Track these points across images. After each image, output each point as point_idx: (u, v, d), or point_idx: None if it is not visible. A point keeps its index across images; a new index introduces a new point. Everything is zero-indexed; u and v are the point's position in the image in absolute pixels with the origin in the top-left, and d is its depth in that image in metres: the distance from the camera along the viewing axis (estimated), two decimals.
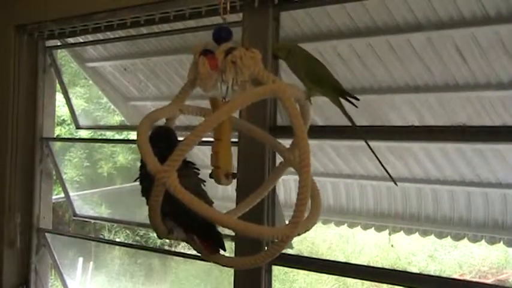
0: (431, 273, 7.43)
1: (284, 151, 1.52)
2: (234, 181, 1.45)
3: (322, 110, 2.79)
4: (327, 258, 6.58)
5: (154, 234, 1.34)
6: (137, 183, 1.38)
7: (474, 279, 7.23)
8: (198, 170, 1.41)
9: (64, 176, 3.20)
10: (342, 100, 1.42)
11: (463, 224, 3.66)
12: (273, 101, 1.97)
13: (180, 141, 1.25)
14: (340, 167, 3.77)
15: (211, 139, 1.40)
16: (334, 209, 4.08)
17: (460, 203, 3.60)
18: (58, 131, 7.46)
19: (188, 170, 1.38)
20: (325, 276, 7.31)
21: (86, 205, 7.19)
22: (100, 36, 2.81)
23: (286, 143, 1.54)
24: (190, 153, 1.24)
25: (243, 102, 1.26)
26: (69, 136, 7.55)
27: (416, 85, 2.85)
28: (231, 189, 1.77)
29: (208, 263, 1.42)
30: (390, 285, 1.81)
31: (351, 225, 4.25)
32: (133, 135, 1.25)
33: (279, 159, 1.63)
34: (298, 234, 1.23)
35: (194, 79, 1.36)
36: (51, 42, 2.83)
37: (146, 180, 1.29)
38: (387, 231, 4.26)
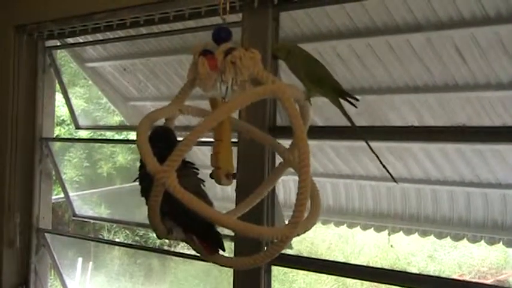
0: (431, 273, 7.43)
1: (284, 152, 1.52)
2: (234, 181, 1.45)
3: (322, 111, 2.79)
4: (326, 258, 6.58)
5: (154, 235, 1.34)
6: (137, 183, 1.38)
7: (473, 280, 7.24)
8: (198, 169, 1.41)
9: (63, 176, 3.20)
10: (342, 101, 1.42)
11: (463, 225, 3.66)
12: (272, 102, 1.97)
13: (179, 141, 1.25)
14: (340, 167, 3.77)
15: (212, 139, 1.39)
16: (333, 209, 4.08)
17: (460, 204, 3.60)
18: (58, 131, 7.46)
19: (187, 170, 1.38)
20: (324, 276, 7.31)
21: (86, 205, 7.18)
22: (99, 36, 2.81)
23: (286, 143, 1.54)
24: (190, 154, 1.24)
25: (242, 102, 1.26)
26: (69, 136, 7.55)
27: (415, 85, 2.85)
28: (230, 189, 1.77)
29: (208, 263, 1.42)
30: (389, 286, 1.81)
31: (351, 226, 4.25)
32: (132, 135, 1.25)
33: (278, 159, 1.63)
34: (298, 235, 1.23)
35: (194, 79, 1.36)
36: (50, 43, 2.83)
37: (145, 180, 1.29)
38: (387, 231, 4.26)
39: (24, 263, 2.79)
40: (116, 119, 7.25)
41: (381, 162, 1.44)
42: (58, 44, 2.88)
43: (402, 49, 2.66)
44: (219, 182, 1.39)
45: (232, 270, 2.04)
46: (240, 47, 1.32)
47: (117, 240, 8.15)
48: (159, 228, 1.29)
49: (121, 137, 6.88)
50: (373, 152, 1.44)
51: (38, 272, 2.82)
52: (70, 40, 2.85)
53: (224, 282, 7.25)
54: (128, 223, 3.64)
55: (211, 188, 1.46)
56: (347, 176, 3.82)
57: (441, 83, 2.79)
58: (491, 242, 3.71)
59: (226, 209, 1.53)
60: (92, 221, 7.82)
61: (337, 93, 1.42)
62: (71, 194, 3.15)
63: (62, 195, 3.24)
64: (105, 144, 8.25)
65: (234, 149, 1.87)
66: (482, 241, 3.72)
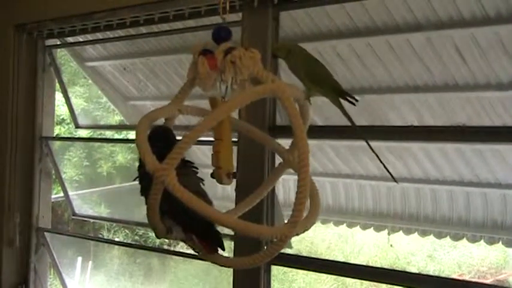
0: (430, 273, 7.44)
1: (283, 152, 1.52)
2: (234, 181, 1.45)
3: (322, 110, 2.79)
4: (326, 258, 6.58)
5: (153, 234, 1.34)
6: (136, 182, 1.38)
7: (473, 279, 7.24)
8: (197, 168, 1.41)
9: (63, 176, 3.20)
10: (342, 100, 1.42)
11: (462, 224, 3.66)
12: (272, 101, 1.97)
13: (178, 140, 1.25)
14: (339, 167, 3.77)
15: (211, 138, 1.39)
16: (333, 209, 4.08)
17: (459, 203, 3.60)
18: (57, 130, 7.46)
19: (187, 169, 1.38)
20: (324, 276, 7.32)
21: (85, 204, 7.19)
22: (99, 35, 2.81)
23: (286, 142, 1.54)
24: (189, 153, 1.24)
25: (242, 101, 1.26)
26: (69, 135, 7.54)
27: (415, 85, 2.85)
28: (230, 188, 1.77)
29: (207, 263, 1.42)
30: (389, 285, 1.81)
31: (350, 225, 4.25)
32: (132, 134, 1.25)
33: (278, 159, 1.63)
34: (297, 234, 1.23)
35: (193, 79, 1.36)
36: (50, 42, 2.83)
37: (145, 179, 1.29)
38: (386, 231, 4.27)
39: (24, 262, 2.79)
40: (116, 118, 7.25)
41: (381, 162, 1.44)
42: (58, 43, 2.88)
43: (402, 49, 2.66)
44: (220, 182, 1.39)
45: (232, 269, 2.04)
46: (240, 47, 1.32)
47: (116, 239, 8.16)
48: (158, 227, 1.29)
49: (121, 137, 6.88)
50: (374, 152, 1.44)
51: (38, 271, 2.82)
52: (70, 39, 2.85)
53: (224, 281, 7.26)
54: (127, 222, 3.63)
55: (212, 187, 1.46)
56: (347, 175, 3.82)
57: (441, 82, 2.79)
58: (491, 241, 3.71)
59: (226, 209, 1.53)
60: (92, 220, 7.81)
61: (337, 93, 1.42)
62: (70, 193, 3.15)
63: (62, 194, 3.24)
64: (104, 144, 8.25)
65: (234, 149, 1.87)
66: (482, 241, 3.72)
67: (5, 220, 2.73)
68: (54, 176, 2.98)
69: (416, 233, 3.95)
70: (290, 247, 2.51)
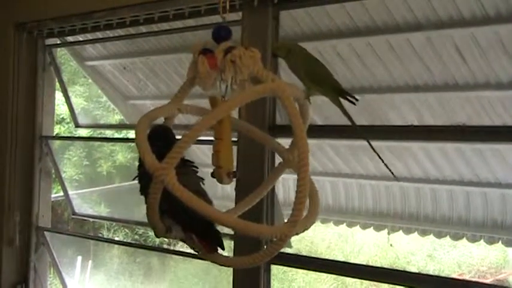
0: (430, 272, 7.44)
1: (283, 151, 1.52)
2: (234, 180, 1.45)
3: (321, 109, 2.79)
4: (326, 257, 6.58)
5: (153, 233, 1.34)
6: (136, 181, 1.38)
7: (473, 279, 7.24)
8: (197, 168, 1.41)
9: (63, 175, 3.20)
10: (342, 100, 1.42)
11: (462, 224, 3.66)
12: (272, 100, 1.97)
13: (178, 139, 1.25)
14: (339, 166, 3.77)
15: (212, 138, 1.39)
16: (333, 209, 4.09)
17: (459, 203, 3.60)
18: (57, 129, 7.46)
19: (187, 168, 1.38)
20: (324, 275, 7.32)
21: (85, 204, 7.19)
22: (99, 34, 2.81)
23: (286, 142, 1.54)
24: (189, 153, 1.23)
25: (242, 100, 1.26)
26: (69, 135, 7.54)
27: (415, 85, 2.85)
28: (230, 188, 1.77)
29: (207, 262, 1.42)
30: (389, 285, 1.81)
31: (350, 225, 4.25)
32: (132, 134, 1.24)
33: (278, 158, 1.63)
34: (297, 234, 1.23)
35: (193, 78, 1.36)
36: (50, 41, 2.83)
37: (144, 178, 1.28)
38: (386, 230, 4.27)
39: (24, 261, 2.79)
40: (116, 117, 7.25)
41: (382, 161, 1.45)
42: (58, 42, 2.88)
43: (402, 48, 2.66)
44: (220, 181, 1.39)
45: (231, 269, 2.04)
46: (240, 46, 1.32)
47: (116, 238, 8.16)
48: (158, 227, 1.28)
49: (121, 136, 6.89)
50: (374, 151, 1.44)
51: (38, 270, 2.82)
52: (70, 38, 2.85)
53: (224, 281, 7.26)
54: (127, 222, 3.63)
55: (212, 186, 1.46)
56: (346, 175, 3.82)
57: (441, 82, 2.79)
58: (491, 241, 3.72)
59: (226, 208, 1.53)
60: (92, 220, 7.83)
61: (337, 92, 1.42)
62: (70, 192, 3.15)
63: (62, 193, 3.24)
64: (104, 143, 8.25)
65: (234, 148, 1.87)
66: (482, 240, 3.72)
67: (5, 219, 2.73)
68: (54, 175, 2.98)
69: (416, 233, 3.95)
70: (290, 246, 2.50)
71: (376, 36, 2.59)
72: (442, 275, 7.20)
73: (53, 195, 3.08)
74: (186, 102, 1.44)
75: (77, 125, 3.06)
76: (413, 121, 2.99)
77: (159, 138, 1.30)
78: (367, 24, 2.54)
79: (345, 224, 4.27)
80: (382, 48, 2.69)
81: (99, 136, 6.75)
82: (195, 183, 1.37)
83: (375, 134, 1.91)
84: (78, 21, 2.53)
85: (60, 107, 6.74)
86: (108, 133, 6.76)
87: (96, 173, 8.32)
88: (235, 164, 1.66)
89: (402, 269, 6.20)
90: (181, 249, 3.08)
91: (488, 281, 7.07)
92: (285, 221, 1.21)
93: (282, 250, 1.24)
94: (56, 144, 3.04)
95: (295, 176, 1.18)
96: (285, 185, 3.97)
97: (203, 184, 1.40)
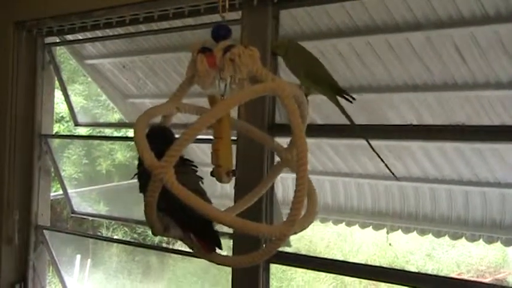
0: (429, 272, 7.44)
1: (282, 151, 1.52)
2: (233, 179, 1.45)
3: (321, 109, 2.79)
4: (325, 256, 6.58)
5: (150, 232, 1.34)
6: (135, 180, 1.38)
7: (472, 279, 7.25)
8: (196, 167, 1.41)
9: (62, 173, 3.20)
10: (340, 99, 1.42)
11: (461, 223, 3.66)
12: (271, 99, 1.97)
13: (177, 138, 1.25)
14: (339, 165, 3.77)
15: (211, 137, 1.39)
16: (332, 208, 4.09)
17: (458, 202, 3.60)
18: (57, 128, 7.45)
19: (186, 167, 1.38)
20: (323, 274, 7.32)
21: (84, 202, 7.18)
22: (99, 33, 2.80)
23: (285, 141, 1.54)
24: (189, 152, 1.23)
25: (241, 99, 1.26)
26: (68, 133, 7.53)
27: (415, 84, 2.85)
28: (229, 187, 1.77)
29: (206, 261, 1.42)
30: (388, 284, 1.81)
31: (349, 224, 4.25)
32: (131, 132, 1.24)
33: (277, 157, 1.64)
34: (295, 233, 1.23)
35: (192, 76, 1.36)
36: (50, 39, 2.83)
37: (144, 176, 1.28)
38: (385, 229, 4.26)
39: (23, 260, 2.79)
40: (115, 116, 7.24)
41: (382, 160, 1.45)
42: (57, 40, 2.88)
43: (402, 48, 2.66)
44: (220, 180, 1.39)
45: (230, 268, 2.04)
46: (239, 45, 1.32)
47: (115, 237, 8.15)
48: (156, 225, 1.28)
49: (120, 134, 6.88)
50: (373, 150, 1.44)
51: (36, 268, 2.83)
52: (69, 37, 2.85)
53: (223, 280, 7.26)
54: (126, 220, 3.63)
55: (211, 185, 1.46)
56: (346, 174, 3.82)
57: (440, 81, 2.78)
58: (490, 240, 3.71)
59: (225, 207, 1.53)
60: (91, 218, 7.79)
61: (334, 90, 1.42)
62: (69, 190, 3.15)
63: (61, 192, 3.24)
64: (104, 142, 8.23)
65: (234, 147, 1.87)
66: (481, 240, 3.72)
67: (4, 218, 2.73)
68: (53, 174, 2.98)
69: (415, 232, 3.95)
70: (289, 245, 2.50)
71: (376, 35, 2.59)
72: (441, 274, 7.20)
73: (52, 194, 3.08)
74: (185, 101, 1.44)
75: (76, 124, 3.06)
76: (412, 120, 2.99)
77: (158, 138, 1.29)
78: (366, 24, 2.53)
79: (343, 223, 4.27)
80: (381, 47, 2.68)
81: (99, 135, 6.74)
82: (194, 182, 1.37)
83: (373, 133, 1.91)
84: (77, 19, 2.53)
85: (60, 106, 6.74)
86: (108, 132, 6.73)
87: (96, 171, 8.31)
88: (234, 162, 1.66)
89: (401, 268, 6.22)
90: (180, 248, 3.08)
91: (487, 280, 7.07)
92: (284, 219, 1.21)
93: (281, 249, 1.24)
94: (55, 142, 3.04)
95: (294, 175, 1.18)
96: (284, 184, 3.97)
97: (202, 183, 1.40)
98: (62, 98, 3.38)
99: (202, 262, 1.37)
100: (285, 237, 1.19)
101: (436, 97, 2.87)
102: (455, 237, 3.79)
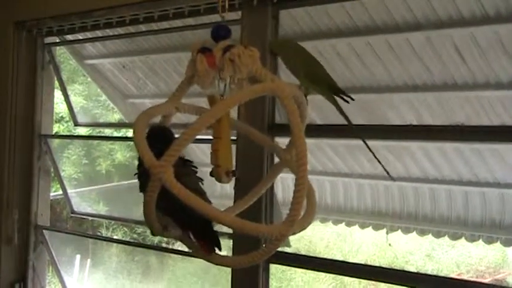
0: (429, 272, 7.45)
1: (281, 152, 1.52)
2: (233, 179, 1.45)
3: (321, 109, 2.79)
4: (325, 256, 6.58)
5: (149, 232, 1.34)
6: (135, 180, 1.37)
7: (471, 279, 7.25)
8: (196, 168, 1.41)
9: (62, 173, 3.20)
10: (338, 99, 1.42)
11: (461, 224, 3.66)
12: (271, 99, 1.97)
13: (176, 138, 1.25)
14: (339, 165, 3.77)
15: (211, 137, 1.39)
16: (332, 208, 4.08)
17: (458, 203, 3.60)
18: (56, 128, 7.45)
19: (187, 168, 1.38)
20: (322, 274, 7.32)
21: (84, 202, 7.18)
22: (99, 33, 2.80)
23: (285, 141, 1.54)
24: (188, 152, 1.23)
25: (240, 99, 1.26)
26: (68, 133, 7.53)
27: (415, 84, 2.84)
28: (229, 187, 1.77)
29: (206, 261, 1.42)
30: (387, 284, 1.81)
31: (349, 224, 4.25)
32: (131, 132, 1.24)
33: (277, 157, 1.64)
34: (294, 233, 1.23)
35: (192, 76, 1.36)
36: (49, 39, 2.83)
37: (144, 176, 1.28)
38: (385, 230, 4.26)
39: (22, 260, 2.79)
40: (115, 116, 7.24)
41: (378, 161, 1.45)
42: (57, 40, 2.88)
43: (401, 48, 2.66)
44: (219, 180, 1.39)
45: (230, 268, 2.04)
46: (239, 45, 1.32)
47: (115, 237, 8.15)
48: (155, 225, 1.28)
49: (120, 135, 6.88)
50: (370, 150, 1.44)
51: (36, 268, 2.83)
52: (69, 37, 2.85)
53: (222, 280, 7.25)
54: (126, 220, 3.63)
55: (211, 185, 1.46)
56: (345, 174, 3.82)
57: (440, 82, 2.78)
58: (489, 241, 3.71)
59: (224, 207, 1.53)
60: (90, 218, 7.80)
61: (332, 90, 1.42)
62: (69, 191, 3.15)
63: (61, 192, 3.24)
64: (103, 142, 8.23)
65: (233, 147, 1.87)
66: (480, 240, 3.72)
67: (4, 217, 2.73)
68: (53, 174, 2.98)
69: (414, 232, 3.95)
70: (289, 246, 2.51)
71: (376, 35, 2.59)
72: (441, 274, 7.20)
73: (51, 194, 3.08)
74: (185, 101, 1.44)
75: (76, 124, 3.06)
76: (412, 121, 2.99)
77: (158, 138, 1.29)
78: (366, 24, 2.53)
79: (343, 223, 4.27)
80: (381, 47, 2.68)
81: (98, 135, 6.74)
82: (194, 183, 1.37)
83: (373, 134, 1.91)
84: (77, 19, 2.53)
85: (59, 106, 6.74)
86: (107, 132, 6.73)
87: (95, 171, 8.31)
88: (234, 163, 1.66)
89: (401, 269, 6.21)
90: (180, 248, 3.08)
91: (486, 280, 7.07)
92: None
93: (281, 249, 1.24)
94: (55, 142, 3.04)
95: (294, 175, 1.18)
96: (284, 184, 3.97)
97: (202, 184, 1.40)
98: (62, 98, 3.38)
99: (202, 262, 1.37)
100: (284, 238, 1.19)
101: (436, 97, 2.87)
102: (454, 237, 3.79)
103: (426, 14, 2.39)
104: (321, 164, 3.78)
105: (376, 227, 4.12)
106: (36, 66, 2.81)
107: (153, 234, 1.34)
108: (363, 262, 7.35)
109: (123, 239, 8.01)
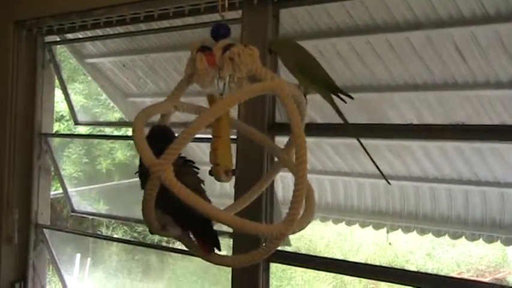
0: (429, 271, 7.44)
1: (279, 152, 1.52)
2: (233, 178, 1.45)
3: (322, 108, 2.79)
4: (325, 255, 6.59)
5: (148, 230, 1.33)
6: (136, 178, 1.37)
7: (472, 278, 7.24)
8: (198, 168, 1.41)
9: (62, 172, 3.20)
10: (336, 98, 1.42)
11: (461, 223, 3.66)
12: (271, 98, 1.97)
13: (176, 137, 1.24)
14: (339, 164, 3.76)
15: (210, 136, 1.39)
16: (332, 207, 4.08)
17: (458, 202, 3.60)
18: (57, 127, 7.45)
19: (187, 168, 1.38)
20: (322, 273, 7.32)
21: (84, 201, 7.18)
22: (99, 32, 2.80)
23: (285, 140, 1.54)
24: (188, 151, 1.23)
25: (240, 98, 1.26)
26: (68, 132, 7.53)
27: (415, 83, 2.84)
28: (229, 186, 1.77)
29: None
30: (388, 283, 1.82)
31: (349, 223, 4.25)
32: (131, 131, 1.24)
33: (276, 157, 1.63)
34: (293, 232, 1.23)
35: (191, 75, 1.36)
36: (50, 38, 2.83)
37: (145, 174, 1.28)
38: (385, 229, 4.26)
39: (23, 259, 2.79)
40: (115, 115, 7.24)
41: (373, 162, 1.45)
42: (57, 39, 2.88)
43: (402, 47, 2.65)
44: (218, 179, 1.39)
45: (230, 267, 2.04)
46: (239, 44, 1.32)
47: (115, 236, 8.14)
48: (153, 224, 1.28)
49: (120, 133, 6.88)
50: (365, 150, 1.44)
51: (36, 267, 2.83)
52: (69, 36, 2.85)
53: (223, 279, 7.25)
54: (126, 219, 3.63)
55: (211, 185, 1.46)
56: (346, 173, 3.82)
57: (441, 81, 2.78)
58: (490, 240, 3.71)
59: (224, 206, 1.53)
60: (91, 217, 7.80)
61: (330, 89, 1.42)
62: (69, 189, 3.15)
63: (61, 191, 3.25)
64: (104, 140, 8.22)
65: (233, 146, 1.87)
66: (481, 239, 3.72)
67: (4, 216, 2.73)
68: (53, 173, 2.98)
69: (415, 231, 3.95)
70: (289, 245, 2.50)
71: (376, 34, 2.59)
72: (441, 273, 7.20)
73: (52, 193, 3.08)
74: (184, 100, 1.44)
75: (76, 123, 3.06)
76: (412, 120, 2.98)
77: (158, 137, 1.29)
78: (366, 23, 2.53)
79: (343, 222, 4.27)
80: (381, 46, 2.68)
81: (99, 134, 6.74)
82: (194, 182, 1.36)
83: (374, 133, 1.91)
84: (77, 18, 2.53)
85: (60, 105, 6.74)
86: (108, 131, 6.73)
87: (96, 170, 8.31)
88: (234, 162, 1.66)
89: (401, 268, 6.21)
90: (180, 247, 3.08)
91: (487, 279, 7.08)
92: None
93: (281, 248, 1.24)
94: (55, 141, 3.04)
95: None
96: (284, 183, 3.97)
97: (203, 185, 1.40)
98: (62, 96, 3.38)
99: (202, 261, 1.37)
100: (284, 237, 1.19)
101: (436, 96, 2.87)
102: (455, 236, 3.79)
103: (426, 13, 2.39)
104: (321, 163, 3.78)
105: (377, 226, 4.12)
106: (37, 65, 2.81)
107: (151, 232, 1.33)
108: (363, 261, 7.36)
109: (124, 238, 8.01)
